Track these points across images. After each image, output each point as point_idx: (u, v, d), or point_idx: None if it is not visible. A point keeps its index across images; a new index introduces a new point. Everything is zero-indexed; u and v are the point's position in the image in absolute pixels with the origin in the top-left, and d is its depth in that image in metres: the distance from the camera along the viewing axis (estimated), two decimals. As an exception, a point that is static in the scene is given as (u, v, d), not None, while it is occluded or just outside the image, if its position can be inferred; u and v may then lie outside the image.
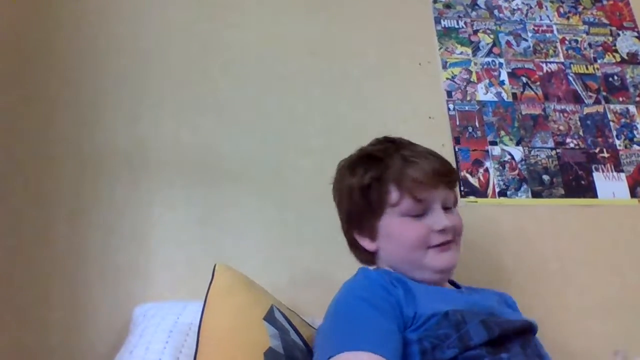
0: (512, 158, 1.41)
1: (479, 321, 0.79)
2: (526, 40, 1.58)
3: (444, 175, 0.92)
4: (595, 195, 1.38)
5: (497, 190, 1.36)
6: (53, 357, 1.09)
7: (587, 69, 1.56)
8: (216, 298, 0.91)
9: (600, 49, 1.60)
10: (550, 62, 1.55)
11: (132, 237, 1.21)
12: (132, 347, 0.92)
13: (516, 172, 1.39)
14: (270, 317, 0.89)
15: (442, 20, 1.57)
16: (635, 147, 1.46)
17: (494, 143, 1.42)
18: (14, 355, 1.08)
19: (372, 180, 0.93)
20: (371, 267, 0.95)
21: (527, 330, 0.85)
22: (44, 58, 1.35)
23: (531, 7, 1.64)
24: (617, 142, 1.46)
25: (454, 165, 1.37)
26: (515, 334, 0.81)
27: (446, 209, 0.92)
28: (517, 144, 1.43)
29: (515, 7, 1.63)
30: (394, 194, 0.90)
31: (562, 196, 1.38)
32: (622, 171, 1.42)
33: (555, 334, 1.04)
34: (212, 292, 0.92)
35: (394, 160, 0.92)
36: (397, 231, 0.92)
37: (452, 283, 1.01)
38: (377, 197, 0.92)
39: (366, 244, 0.95)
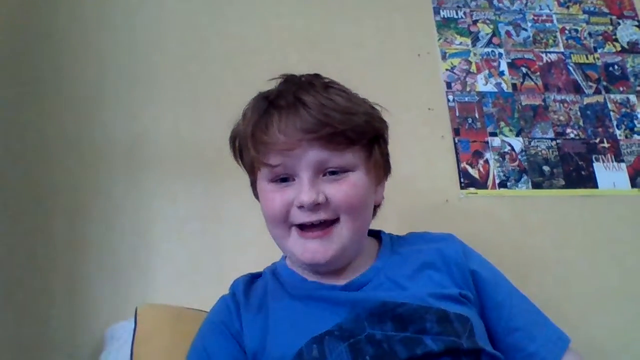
0: (512, 149, 1.40)
1: (346, 346, 0.65)
2: (526, 30, 1.57)
3: (311, 132, 0.69)
4: (595, 186, 1.38)
5: (497, 181, 1.36)
6: (53, 353, 1.09)
7: (587, 58, 1.55)
8: (140, 347, 0.86)
9: (600, 38, 1.59)
10: (550, 52, 1.54)
11: (132, 231, 1.20)
12: None
13: (516, 163, 1.39)
14: None
15: (441, 11, 1.56)
16: (636, 137, 1.45)
17: (493, 134, 1.41)
18: (13, 351, 1.08)
19: (236, 133, 0.79)
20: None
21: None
22: (41, 53, 1.34)
23: (531, -3, 1.63)
24: (618, 132, 1.46)
25: (453, 157, 1.37)
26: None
27: (332, 173, 0.72)
28: (517, 134, 1.42)
29: (515, -3, 1.62)
30: (252, 154, 0.73)
31: (562, 187, 1.37)
32: (623, 161, 1.42)
33: (556, 324, 1.04)
34: (136, 340, 0.87)
35: (255, 111, 0.75)
36: (262, 200, 0.77)
37: (375, 234, 0.84)
38: (245, 154, 0.77)
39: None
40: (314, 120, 0.70)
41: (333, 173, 0.72)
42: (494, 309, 0.77)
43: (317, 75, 0.79)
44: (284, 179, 0.73)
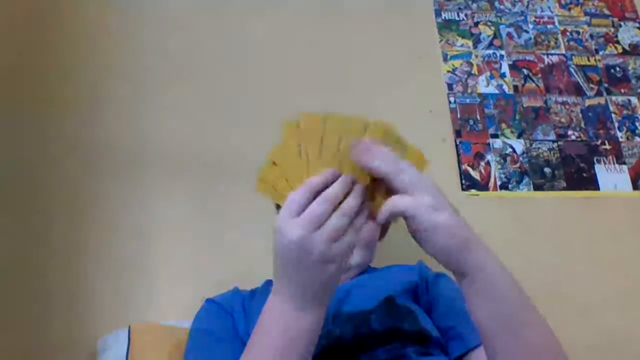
0: (514, 151, 1.40)
1: None
2: (527, 32, 1.57)
3: None
4: (597, 188, 1.38)
5: (498, 183, 1.36)
6: (54, 355, 1.09)
7: (588, 60, 1.55)
8: None
9: (601, 40, 1.59)
10: (552, 54, 1.54)
11: (133, 233, 1.20)
12: None
13: (518, 164, 1.39)
14: None
15: (442, 13, 1.56)
16: (637, 139, 1.45)
17: (495, 136, 1.41)
18: (12, 353, 1.07)
19: None
20: None
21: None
22: (43, 54, 1.34)
23: (532, -1, 1.63)
24: (619, 134, 1.46)
25: (455, 158, 1.37)
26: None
27: None
28: (519, 136, 1.42)
29: (516, -1, 1.62)
30: None
31: (563, 189, 1.37)
32: (624, 163, 1.42)
33: (557, 327, 1.03)
34: (130, 358, 0.91)
35: None
36: None
37: None
38: None
39: None
40: None
41: None
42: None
43: None
44: None
